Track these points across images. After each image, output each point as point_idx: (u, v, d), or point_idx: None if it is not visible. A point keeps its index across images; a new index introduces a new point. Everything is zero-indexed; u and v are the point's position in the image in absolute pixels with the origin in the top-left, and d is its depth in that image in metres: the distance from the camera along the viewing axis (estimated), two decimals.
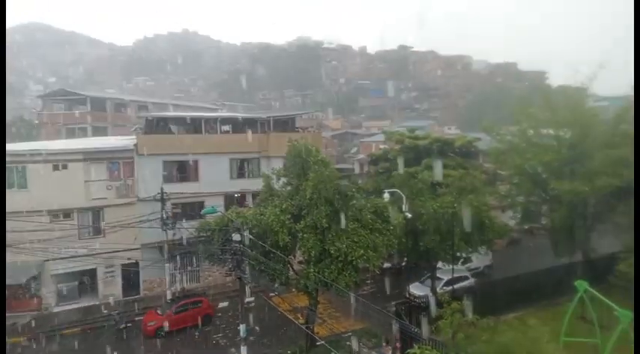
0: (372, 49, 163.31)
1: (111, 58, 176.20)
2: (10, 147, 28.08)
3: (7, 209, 23.71)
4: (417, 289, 24.95)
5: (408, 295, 23.05)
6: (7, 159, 24.93)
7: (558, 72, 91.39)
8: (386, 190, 22.30)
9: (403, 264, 26.71)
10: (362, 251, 18.47)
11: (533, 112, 26.01)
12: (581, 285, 18.15)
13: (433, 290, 24.14)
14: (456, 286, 23.19)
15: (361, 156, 51.75)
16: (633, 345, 13.20)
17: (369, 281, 27.92)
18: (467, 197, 22.12)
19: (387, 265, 26.92)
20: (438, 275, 25.39)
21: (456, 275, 23.64)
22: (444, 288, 24.15)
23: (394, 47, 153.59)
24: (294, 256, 21.67)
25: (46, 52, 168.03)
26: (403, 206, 21.76)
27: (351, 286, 19.49)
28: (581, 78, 23.97)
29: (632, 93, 19.95)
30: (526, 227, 32.45)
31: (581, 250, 25.20)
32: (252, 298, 25.25)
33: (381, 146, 42.71)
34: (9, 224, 23.10)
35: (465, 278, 25.88)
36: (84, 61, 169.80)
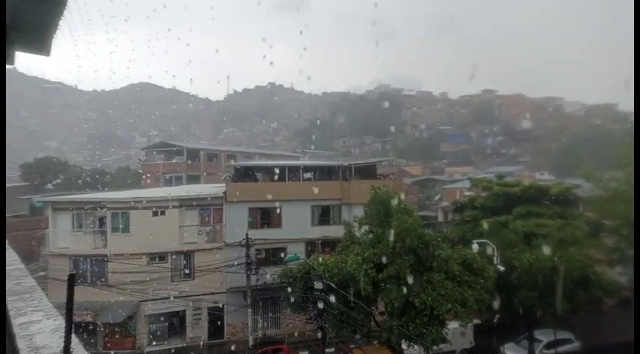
0: (453, 95, 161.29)
1: (205, 111, 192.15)
2: (116, 194, 31.10)
3: (113, 251, 25.95)
4: (512, 351, 22.76)
5: None
6: (115, 205, 27.55)
7: None
8: (474, 240, 21.06)
9: (495, 321, 24.60)
10: (449, 305, 17.40)
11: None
12: None
13: (531, 352, 21.80)
14: (559, 349, 20.77)
15: (445, 203, 49.89)
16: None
17: None
18: (568, 250, 20.13)
19: (476, 321, 24.97)
20: (536, 336, 22.97)
21: (558, 337, 21.22)
22: (544, 351, 21.72)
23: (477, 92, 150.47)
24: (377, 307, 20.92)
25: (150, 108, 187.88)
26: (494, 258, 20.32)
27: (438, 343, 18.25)
28: None
29: None
30: None
31: None
32: (333, 349, 24.54)
33: (466, 193, 40.91)
34: (113, 265, 25.15)
35: (569, 341, 23.12)
36: (182, 115, 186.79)
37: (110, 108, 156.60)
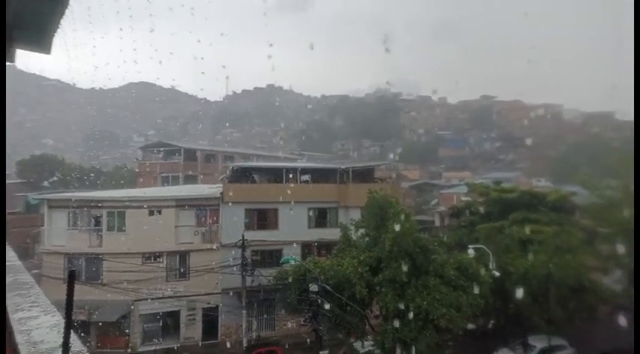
0: (452, 100, 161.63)
1: (203, 112, 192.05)
2: (112, 193, 31.04)
3: (108, 250, 25.89)
4: None
5: None
6: (111, 204, 27.50)
7: None
8: (470, 246, 21.13)
9: (489, 326, 24.63)
10: (444, 310, 17.45)
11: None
12: None
13: None
14: None
15: (442, 208, 49.98)
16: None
17: (450, 343, 25.87)
18: (563, 256, 20.22)
19: (471, 326, 24.99)
20: (530, 342, 22.99)
21: (552, 344, 21.27)
22: None
23: (476, 97, 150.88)
24: (372, 311, 20.93)
25: (148, 107, 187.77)
26: (489, 263, 20.39)
27: (432, 347, 18.27)
28: None
29: None
30: (634, 293, 28.69)
31: None
32: (327, 351, 24.50)
33: (463, 198, 41.01)
34: (108, 264, 25.06)
35: (563, 348, 23.13)
36: (180, 115, 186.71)
37: (108, 106, 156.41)
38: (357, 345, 22.10)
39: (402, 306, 17.93)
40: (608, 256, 24.68)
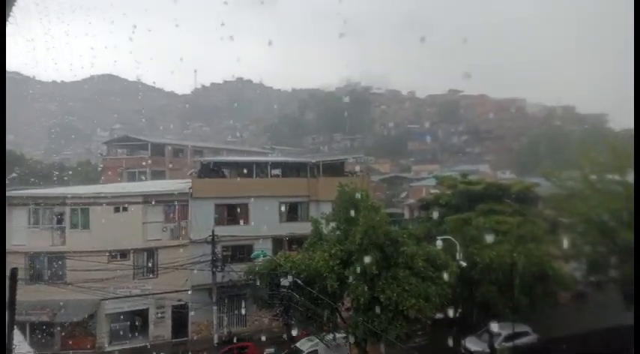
0: (421, 94, 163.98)
1: (171, 105, 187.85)
2: (75, 189, 30.01)
3: (72, 248, 25.08)
4: (472, 344, 23.37)
5: (463, 350, 21.64)
6: (74, 201, 26.61)
7: (622, 115, 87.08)
8: (439, 237, 21.52)
9: (457, 315, 25.24)
10: (414, 301, 17.73)
11: (595, 157, 24.66)
12: None
13: (490, 346, 22.49)
14: (517, 342, 21.53)
15: (411, 200, 50.79)
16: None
17: (420, 333, 26.44)
18: (527, 246, 20.89)
19: (439, 315, 25.55)
20: (495, 329, 23.69)
21: (516, 330, 21.98)
22: (503, 344, 22.45)
23: (444, 91, 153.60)
24: (343, 303, 21.08)
25: (113, 100, 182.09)
26: (457, 254, 20.85)
27: (402, 338, 18.58)
28: None
29: None
30: (593, 280, 30.00)
31: None
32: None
33: (432, 191, 41.75)
34: (72, 263, 24.27)
35: (526, 334, 23.96)
36: (147, 109, 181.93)
37: (71, 100, 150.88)
38: (303, 344, 22.25)
39: (372, 298, 18.16)
40: (569, 244, 25.72)
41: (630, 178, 23.01)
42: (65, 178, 55.65)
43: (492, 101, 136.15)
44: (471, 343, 23.54)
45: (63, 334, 25.28)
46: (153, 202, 28.06)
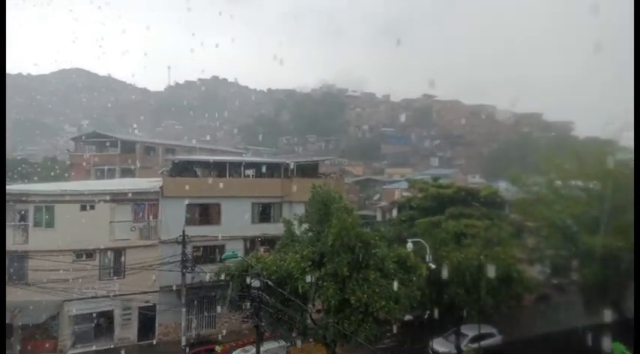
0: (395, 98, 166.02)
1: (143, 102, 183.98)
2: (40, 187, 29.03)
3: (35, 247, 24.24)
4: (440, 345, 23.81)
5: (431, 352, 22.01)
6: (38, 198, 25.74)
7: (586, 123, 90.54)
8: (409, 240, 21.84)
9: (426, 317, 25.67)
10: (383, 302, 17.90)
11: (560, 163, 25.54)
12: (618, 348, 16.99)
13: (457, 347, 22.98)
14: (483, 343, 22.06)
15: (384, 203, 51.28)
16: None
17: (389, 334, 26.70)
18: (493, 249, 21.44)
19: (408, 317, 25.91)
20: (462, 331, 24.23)
21: (482, 332, 22.52)
22: (469, 345, 22.97)
23: (418, 96, 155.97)
24: (314, 305, 21.09)
25: (82, 96, 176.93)
26: (427, 256, 21.20)
27: (372, 339, 18.73)
28: (611, 130, 23.63)
29: None
30: (556, 282, 31.05)
31: (615, 308, 23.78)
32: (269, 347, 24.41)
33: (404, 193, 42.32)
34: (34, 262, 23.46)
35: (492, 335, 24.60)
36: (118, 105, 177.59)
37: (38, 93, 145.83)
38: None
39: (343, 299, 18.24)
40: (533, 248, 26.56)
41: (592, 184, 23.94)
42: (30, 175, 53.75)
43: (464, 107, 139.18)
44: (438, 344, 23.97)
45: (23, 337, 24.37)
46: (122, 201, 27.38)
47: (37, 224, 25.65)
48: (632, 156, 27.05)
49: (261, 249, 29.61)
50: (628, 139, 23.93)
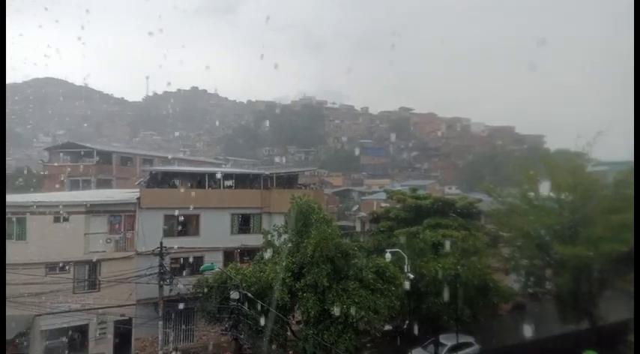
0: (374, 110, 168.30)
1: (120, 112, 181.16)
2: (12, 198, 28.24)
3: (5, 261, 23.40)
4: None
5: None
6: (9, 210, 25.03)
7: (558, 137, 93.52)
8: (388, 250, 22.06)
9: (405, 327, 25.84)
10: (363, 313, 17.98)
11: (533, 175, 26.28)
12: None
13: None
14: (460, 353, 22.30)
15: (363, 214, 51.62)
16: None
17: (369, 345, 26.82)
18: (470, 259, 21.84)
19: (387, 327, 26.05)
20: (441, 341, 24.45)
21: (460, 341, 22.78)
22: None
23: (396, 108, 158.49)
24: (294, 317, 21.04)
25: (57, 105, 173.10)
26: (405, 266, 21.44)
27: (352, 351, 18.76)
28: (581, 143, 24.48)
29: (632, 158, 20.18)
30: (530, 291, 31.72)
31: (587, 317, 24.46)
32: None
33: (383, 204, 42.74)
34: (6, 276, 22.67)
35: (470, 344, 24.87)
36: (94, 115, 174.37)
37: (10, 102, 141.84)
38: None
39: (322, 310, 18.26)
40: (509, 257, 27.15)
41: (563, 196, 24.70)
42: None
43: (440, 120, 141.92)
44: None
45: None
46: (97, 213, 26.85)
47: (8, 237, 24.88)
48: (601, 168, 28.12)
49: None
50: (597, 152, 24.84)
